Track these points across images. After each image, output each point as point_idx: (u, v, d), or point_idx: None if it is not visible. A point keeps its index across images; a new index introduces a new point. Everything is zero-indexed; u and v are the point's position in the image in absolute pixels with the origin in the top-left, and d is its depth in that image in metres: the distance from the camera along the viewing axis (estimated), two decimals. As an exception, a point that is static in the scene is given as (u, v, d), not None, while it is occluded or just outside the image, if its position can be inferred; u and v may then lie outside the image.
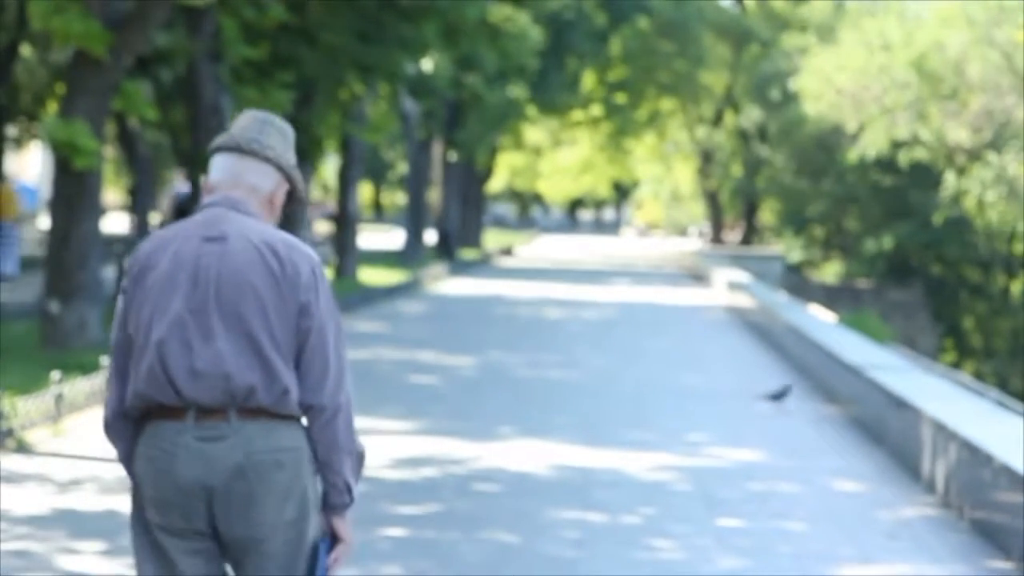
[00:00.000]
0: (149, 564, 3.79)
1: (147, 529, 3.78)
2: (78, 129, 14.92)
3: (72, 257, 15.28)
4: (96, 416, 11.64)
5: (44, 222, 28.35)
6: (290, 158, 3.92)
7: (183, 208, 24.07)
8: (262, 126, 3.90)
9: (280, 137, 3.91)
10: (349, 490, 3.80)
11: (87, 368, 12.70)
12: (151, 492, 3.73)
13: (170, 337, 3.69)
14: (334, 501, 3.80)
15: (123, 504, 8.47)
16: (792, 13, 58.24)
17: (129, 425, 3.83)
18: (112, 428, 3.87)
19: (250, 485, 3.67)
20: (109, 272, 18.02)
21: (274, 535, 3.70)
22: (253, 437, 3.68)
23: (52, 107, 28.88)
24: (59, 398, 10.99)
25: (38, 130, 31.92)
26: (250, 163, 3.87)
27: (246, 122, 3.92)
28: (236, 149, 3.88)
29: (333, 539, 3.82)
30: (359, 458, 3.82)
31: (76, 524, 7.96)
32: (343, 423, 3.76)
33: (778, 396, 13.94)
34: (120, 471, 9.88)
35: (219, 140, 3.92)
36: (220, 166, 3.89)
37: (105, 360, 12.50)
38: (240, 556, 3.74)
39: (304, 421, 3.79)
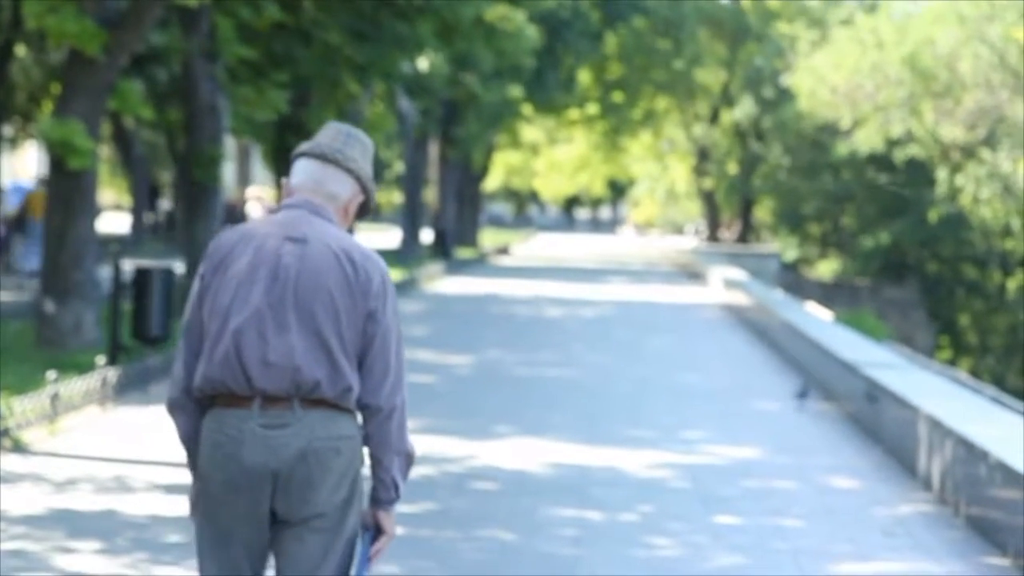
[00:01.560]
0: (208, 538, 3.99)
1: (209, 507, 3.97)
2: (73, 129, 14.91)
3: (68, 257, 15.28)
4: (91, 416, 11.64)
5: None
6: (368, 171, 4.13)
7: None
8: (347, 138, 4.11)
9: (362, 150, 4.12)
10: (396, 487, 4.04)
11: (83, 368, 12.69)
12: (219, 475, 3.93)
13: (247, 327, 3.91)
14: (381, 496, 4.04)
15: (120, 503, 8.47)
16: (786, 7, 58.29)
17: (194, 403, 4.03)
18: (177, 404, 4.05)
19: (310, 469, 3.91)
20: (105, 272, 18.01)
21: (325, 513, 3.94)
22: (315, 425, 3.91)
23: (47, 107, 28.89)
24: (55, 398, 10.99)
25: (33, 130, 31.90)
26: (332, 171, 4.07)
27: (332, 132, 4.12)
28: (321, 157, 4.08)
29: (377, 531, 4.04)
30: (408, 458, 4.06)
31: (73, 524, 7.96)
32: (396, 424, 4.00)
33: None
34: (117, 470, 9.84)
35: (304, 146, 4.11)
36: (303, 170, 4.09)
37: (100, 360, 12.51)
38: (288, 529, 3.96)
39: (359, 418, 4.02)
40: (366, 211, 4.16)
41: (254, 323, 3.91)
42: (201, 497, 4.01)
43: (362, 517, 4.04)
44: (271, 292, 3.93)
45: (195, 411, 4.03)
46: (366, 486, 4.07)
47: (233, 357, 3.90)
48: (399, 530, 4.32)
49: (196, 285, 4.03)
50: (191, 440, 4.06)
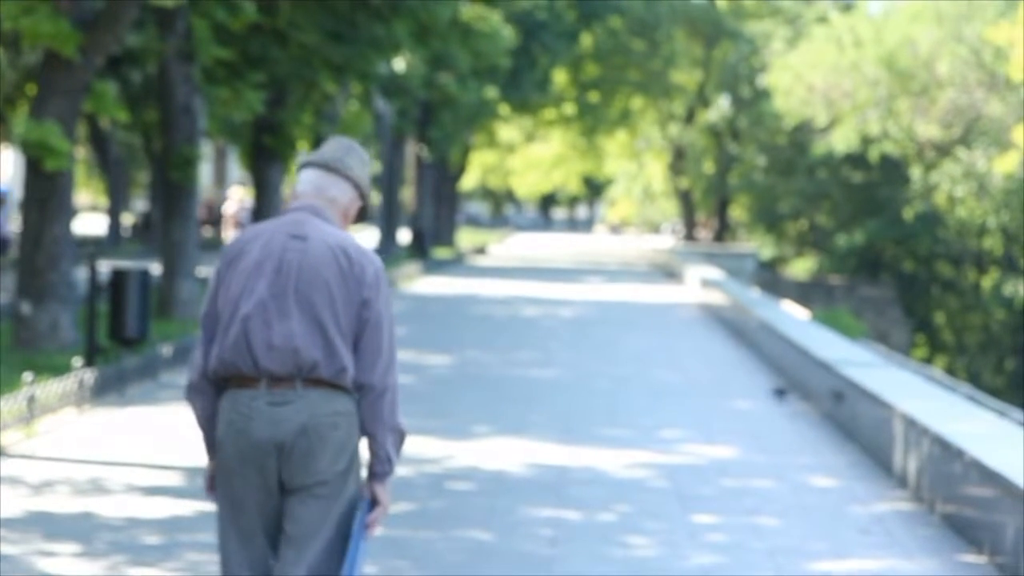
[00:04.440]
0: (226, 506, 4.47)
1: (226, 478, 4.45)
2: (49, 130, 14.87)
3: (44, 258, 15.24)
4: (68, 418, 11.61)
5: (16, 223, 28.23)
6: (366, 179, 4.64)
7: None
8: (348, 150, 4.63)
9: (359, 161, 4.64)
10: (390, 461, 4.50)
11: (59, 370, 12.65)
12: (232, 448, 4.42)
13: (255, 314, 4.41)
14: (376, 469, 4.50)
15: (97, 506, 8.46)
16: (760, 5, 58.44)
17: (211, 386, 4.51)
18: (196, 387, 4.53)
19: (311, 441, 4.39)
20: (81, 273, 17.96)
21: (325, 480, 4.41)
22: (315, 402, 4.40)
23: (23, 108, 28.77)
24: (31, 400, 10.95)
25: (9, 132, 31.77)
26: (333, 179, 4.59)
27: (334, 145, 4.65)
28: (324, 166, 4.60)
29: (373, 503, 4.48)
30: (400, 434, 4.52)
31: (50, 526, 7.94)
32: (388, 402, 4.47)
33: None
34: (93, 472, 9.80)
35: (309, 157, 4.64)
36: (307, 179, 4.60)
37: (77, 362, 12.49)
38: (294, 495, 4.43)
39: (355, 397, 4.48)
40: (364, 215, 4.58)
41: (259, 311, 4.40)
42: (218, 471, 4.48)
43: (359, 488, 4.48)
44: (275, 284, 4.42)
45: (212, 394, 4.51)
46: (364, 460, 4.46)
47: (242, 341, 4.40)
48: (377, 530, 4.47)
49: (213, 280, 4.53)
50: (208, 420, 4.53)
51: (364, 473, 4.53)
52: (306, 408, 4.39)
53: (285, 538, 4.45)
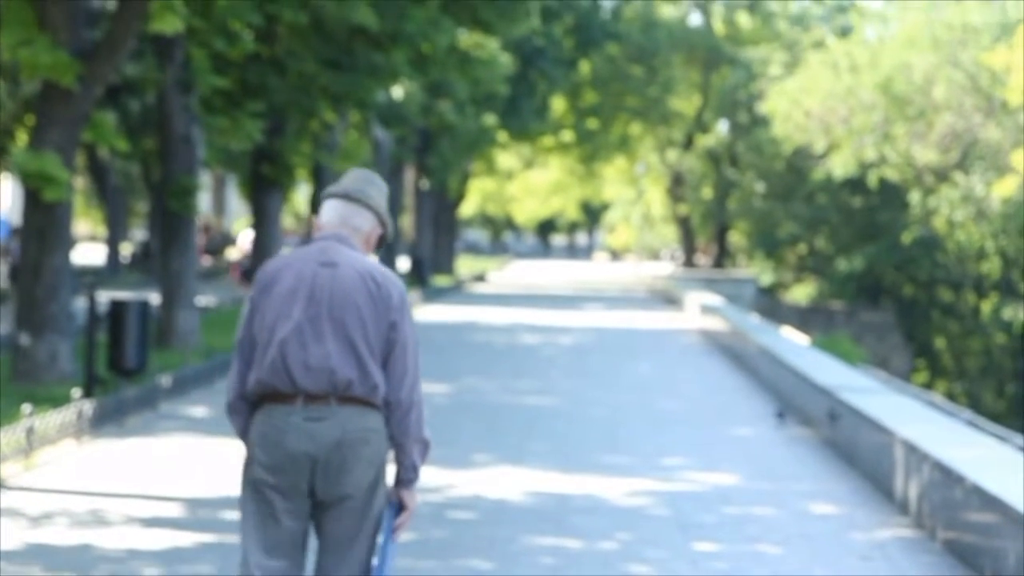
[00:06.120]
0: (252, 515, 4.70)
1: (256, 488, 4.70)
2: (48, 160, 14.89)
3: (43, 289, 15.23)
4: (67, 449, 11.59)
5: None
6: (385, 208, 4.94)
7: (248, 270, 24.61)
8: (367, 181, 4.94)
9: (378, 191, 4.95)
10: (415, 469, 4.84)
11: (58, 401, 12.63)
12: (265, 459, 4.69)
13: (291, 338, 4.70)
14: (403, 477, 4.84)
15: (96, 538, 8.43)
16: (759, 32, 58.61)
17: (247, 405, 4.79)
18: (234, 407, 4.83)
19: (344, 456, 4.68)
20: (80, 304, 17.95)
21: (356, 494, 4.70)
22: (348, 418, 4.69)
23: (22, 139, 28.81)
24: (30, 431, 10.93)
25: (8, 162, 31.80)
26: (355, 209, 4.89)
27: (354, 176, 4.95)
28: (345, 197, 4.91)
29: (400, 508, 4.82)
30: (424, 445, 4.87)
31: (49, 558, 7.92)
32: (415, 417, 4.80)
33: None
34: (93, 504, 9.81)
35: (331, 189, 4.95)
36: (331, 209, 4.91)
37: (76, 393, 12.48)
38: (326, 509, 4.71)
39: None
40: (384, 241, 4.98)
41: (296, 334, 4.69)
42: (248, 483, 4.73)
43: (387, 496, 4.79)
44: (309, 308, 4.71)
45: (248, 412, 4.79)
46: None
47: (279, 363, 4.68)
48: (405, 532, 4.68)
49: (246, 307, 4.82)
50: (247, 435, 4.79)
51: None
52: (340, 424, 4.67)
53: (322, 550, 4.74)
